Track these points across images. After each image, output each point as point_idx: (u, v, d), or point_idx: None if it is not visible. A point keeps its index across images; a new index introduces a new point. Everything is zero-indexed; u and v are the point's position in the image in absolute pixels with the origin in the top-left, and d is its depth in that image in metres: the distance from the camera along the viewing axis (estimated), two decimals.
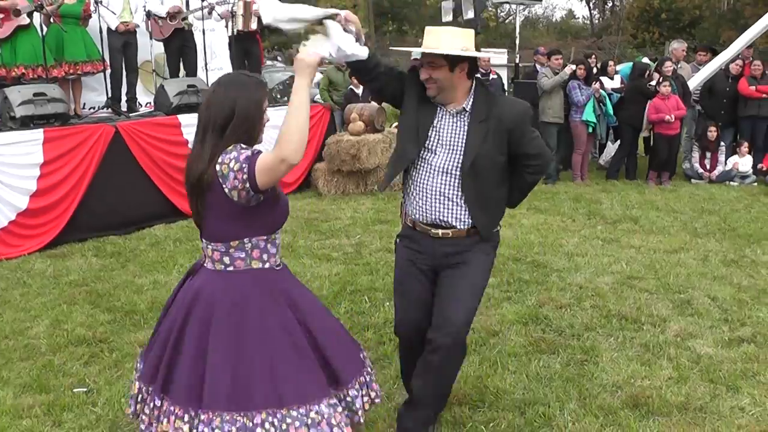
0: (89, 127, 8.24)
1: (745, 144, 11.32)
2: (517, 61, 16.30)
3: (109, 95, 9.46)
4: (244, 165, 2.72)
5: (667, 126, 10.82)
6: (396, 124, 9.32)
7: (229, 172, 2.73)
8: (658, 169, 11.19)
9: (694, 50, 14.25)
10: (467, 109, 3.48)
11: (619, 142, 11.92)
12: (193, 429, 2.79)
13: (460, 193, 3.48)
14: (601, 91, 11.13)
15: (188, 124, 9.16)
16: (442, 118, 3.52)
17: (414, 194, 3.58)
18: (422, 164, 3.52)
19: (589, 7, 51.27)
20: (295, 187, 10.73)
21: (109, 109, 9.57)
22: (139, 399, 3.04)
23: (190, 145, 9.07)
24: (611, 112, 11.27)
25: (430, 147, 3.50)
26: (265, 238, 2.92)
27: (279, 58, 34.07)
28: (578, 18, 55.24)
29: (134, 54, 9.85)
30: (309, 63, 2.91)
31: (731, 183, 11.13)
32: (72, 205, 7.82)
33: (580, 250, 7.35)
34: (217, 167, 2.75)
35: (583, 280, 6.32)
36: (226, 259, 2.88)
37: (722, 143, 11.39)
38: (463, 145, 3.46)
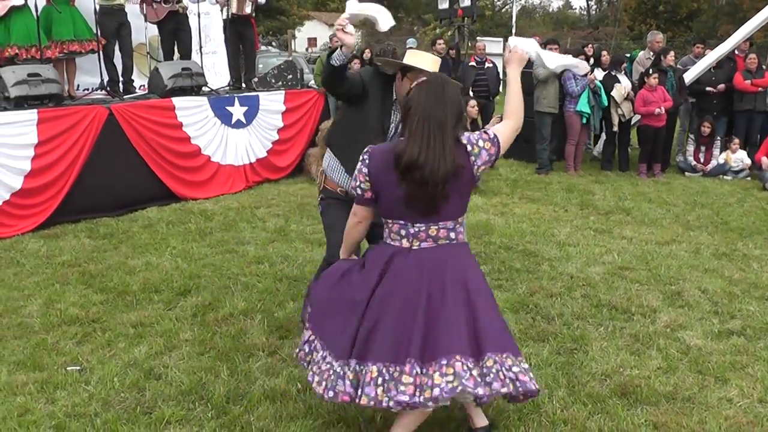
0: (83, 108, 8.23)
1: (736, 140, 11.35)
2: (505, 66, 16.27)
3: (104, 77, 9.42)
4: (494, 140, 3.33)
5: (654, 118, 10.84)
6: None
7: (480, 151, 3.29)
8: (647, 160, 11.21)
9: (692, 44, 14.22)
10: None
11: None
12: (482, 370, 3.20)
13: None
14: (596, 81, 11.14)
15: (182, 107, 9.16)
16: (395, 113, 4.27)
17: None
18: None
19: None
20: (288, 172, 10.75)
21: (103, 91, 9.54)
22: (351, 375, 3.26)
23: (184, 128, 9.09)
24: (606, 103, 11.27)
25: (389, 137, 4.28)
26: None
27: (273, 44, 34.02)
28: (575, 9, 55.27)
29: (128, 36, 9.81)
30: (521, 57, 3.69)
31: (725, 177, 11.16)
32: (66, 186, 7.81)
33: (572, 239, 7.38)
34: (468, 148, 3.26)
35: (574, 270, 6.35)
36: (452, 235, 3.37)
37: (717, 138, 11.42)
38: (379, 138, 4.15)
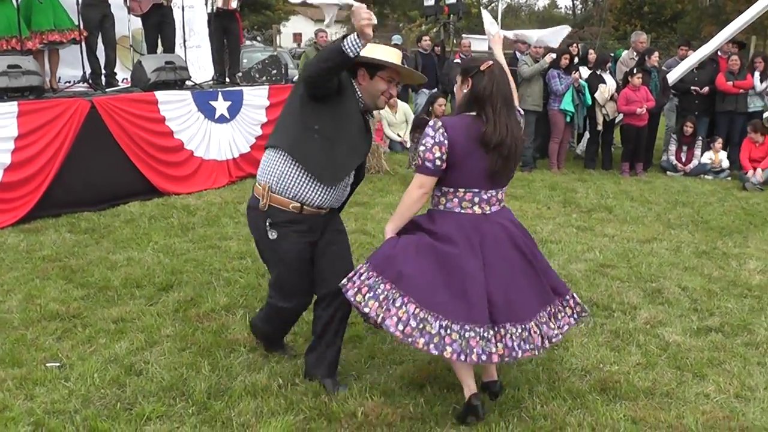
0: (65, 101, 8.15)
1: (719, 140, 11.44)
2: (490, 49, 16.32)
3: (86, 69, 9.35)
4: (522, 115, 3.91)
5: (636, 117, 10.91)
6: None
7: (522, 127, 3.80)
8: (630, 159, 11.27)
9: (677, 45, 14.33)
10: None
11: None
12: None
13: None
14: (580, 80, 11.19)
15: (165, 101, 9.11)
16: (362, 119, 4.01)
17: (322, 185, 3.91)
18: None
19: None
20: None
21: (85, 84, 9.47)
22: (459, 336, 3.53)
23: (166, 123, 9.04)
24: (590, 102, 11.32)
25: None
26: None
27: (258, 39, 33.94)
28: (560, 8, 55.39)
29: (112, 28, 9.74)
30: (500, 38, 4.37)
31: (705, 176, 11.25)
32: (46, 179, 7.73)
33: (555, 237, 7.42)
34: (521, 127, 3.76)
35: (557, 267, 6.36)
36: (504, 197, 3.83)
37: (699, 137, 11.50)
38: (365, 140, 4.05)
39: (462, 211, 3.67)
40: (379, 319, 3.55)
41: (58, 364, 4.35)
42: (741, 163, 10.89)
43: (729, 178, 11.15)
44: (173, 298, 5.48)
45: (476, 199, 3.66)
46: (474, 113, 3.63)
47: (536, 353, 3.68)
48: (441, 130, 3.55)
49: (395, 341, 4.60)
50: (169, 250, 6.69)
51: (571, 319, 3.92)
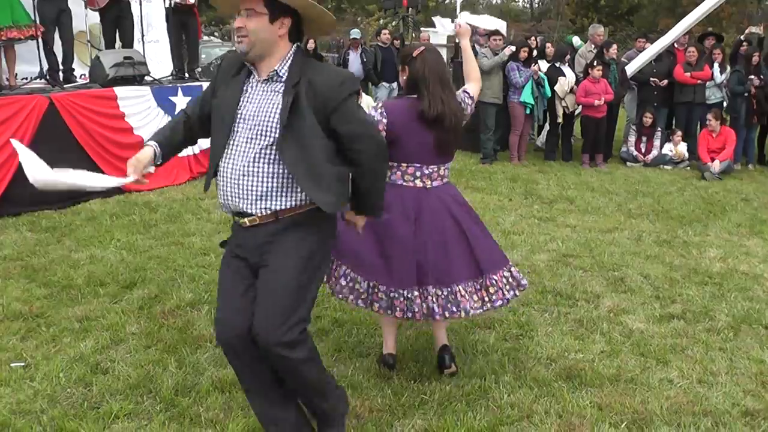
0: (23, 97, 8.02)
1: (679, 132, 11.62)
2: (457, 41, 16.39)
3: (43, 65, 9.20)
4: (472, 96, 4.20)
5: (594, 109, 11.04)
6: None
7: (466, 106, 4.13)
8: (590, 150, 11.40)
9: (634, 38, 14.52)
10: (280, 74, 3.09)
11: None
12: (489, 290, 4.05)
13: (277, 170, 3.07)
14: (539, 73, 11.28)
15: (124, 96, 9.01)
16: (250, 90, 3.14)
17: (221, 180, 3.19)
18: (230, 147, 3.13)
19: None
20: None
21: (43, 80, 9.32)
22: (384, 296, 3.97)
23: (126, 119, 8.96)
24: (549, 94, 11.42)
25: (236, 129, 3.10)
26: None
27: (216, 34, 33.67)
28: (518, 1, 55.64)
29: (69, 23, 9.58)
30: (467, 29, 4.46)
31: (665, 167, 11.42)
32: (5, 178, 7.59)
33: (517, 228, 7.48)
34: (462, 105, 4.09)
35: (520, 258, 6.44)
36: (447, 173, 4.14)
37: (659, 128, 11.66)
38: (276, 114, 3.03)
39: (404, 183, 4.01)
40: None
41: (22, 364, 4.29)
42: (699, 155, 11.06)
43: (688, 168, 11.33)
44: (137, 295, 5.43)
45: (418, 173, 4.00)
46: (415, 96, 3.98)
47: (461, 315, 3.99)
48: (381, 110, 3.95)
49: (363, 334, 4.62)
50: (131, 247, 6.62)
51: (510, 293, 4.11)
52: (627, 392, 4.09)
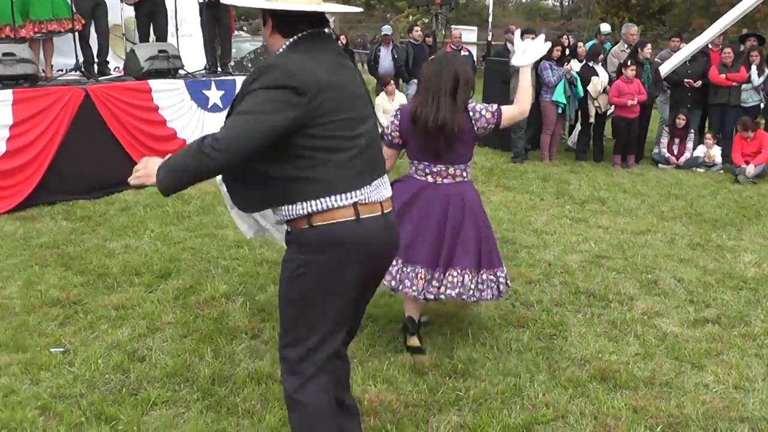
0: (59, 89, 8.12)
1: (710, 136, 11.49)
2: (489, 38, 16.36)
3: (79, 58, 9.30)
4: (496, 112, 4.29)
5: (627, 109, 10.96)
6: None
7: (481, 117, 4.25)
8: (621, 151, 11.32)
9: (665, 38, 14.39)
10: None
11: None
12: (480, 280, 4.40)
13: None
14: (572, 72, 11.22)
15: (159, 89, 9.09)
16: None
17: None
18: None
19: None
20: None
21: (78, 72, 9.42)
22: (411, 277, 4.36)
23: (160, 111, 9.03)
24: (581, 93, 11.35)
25: None
26: None
27: (245, 28, 33.83)
28: (548, 0, 55.37)
29: (104, 16, 9.69)
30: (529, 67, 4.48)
31: (698, 169, 11.30)
32: (41, 167, 7.72)
33: (549, 228, 7.46)
34: (471, 114, 4.23)
35: (552, 257, 6.42)
36: (464, 174, 4.40)
37: (692, 130, 11.55)
38: None
39: (418, 177, 4.42)
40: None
41: (62, 350, 4.36)
42: (732, 159, 10.92)
43: (721, 171, 11.19)
44: (172, 285, 5.49)
45: (428, 170, 4.37)
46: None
47: (464, 298, 4.35)
48: (396, 113, 4.41)
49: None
50: (165, 238, 6.68)
51: (494, 292, 4.46)
52: (662, 395, 4.07)
